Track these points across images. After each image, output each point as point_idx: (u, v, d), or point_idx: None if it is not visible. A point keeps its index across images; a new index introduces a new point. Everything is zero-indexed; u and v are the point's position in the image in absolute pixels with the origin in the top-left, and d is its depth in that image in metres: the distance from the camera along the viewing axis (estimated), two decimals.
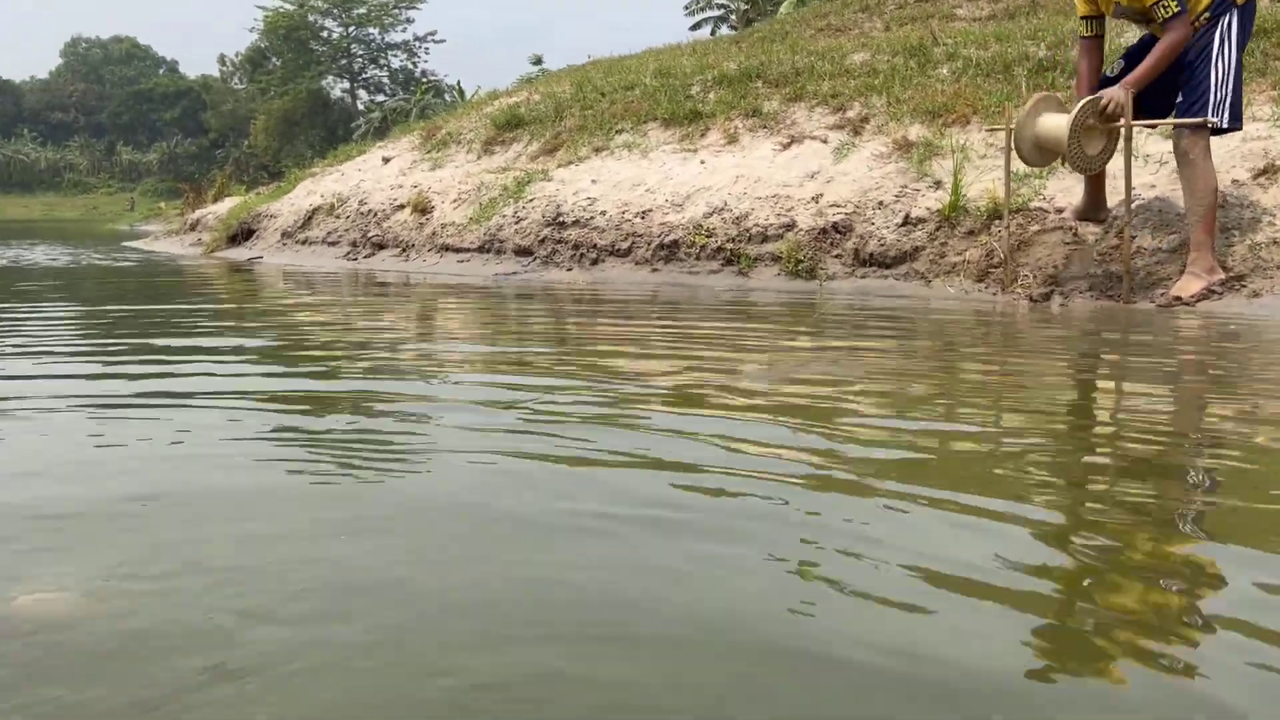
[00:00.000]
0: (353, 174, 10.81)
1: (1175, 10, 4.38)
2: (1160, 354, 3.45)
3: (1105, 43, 4.91)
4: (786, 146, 7.43)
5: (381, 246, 8.68)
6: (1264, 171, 5.19)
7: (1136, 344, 3.67)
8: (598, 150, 8.65)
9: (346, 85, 68.61)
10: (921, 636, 1.20)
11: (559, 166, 8.52)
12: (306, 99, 62.42)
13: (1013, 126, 4.83)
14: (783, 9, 22.01)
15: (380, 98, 66.22)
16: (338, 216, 9.64)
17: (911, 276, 5.53)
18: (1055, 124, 4.68)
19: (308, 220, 10.07)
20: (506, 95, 12.26)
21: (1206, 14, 4.43)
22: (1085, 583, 1.39)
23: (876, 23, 10.60)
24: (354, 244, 8.96)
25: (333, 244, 9.33)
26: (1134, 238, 4.91)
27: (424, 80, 64.02)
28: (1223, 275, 4.52)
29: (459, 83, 53.33)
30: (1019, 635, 1.21)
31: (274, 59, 68.03)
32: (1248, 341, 3.61)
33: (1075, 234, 5.14)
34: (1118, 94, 4.52)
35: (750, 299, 5.46)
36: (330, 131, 60.01)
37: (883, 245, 5.71)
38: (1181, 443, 2.17)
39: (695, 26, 35.86)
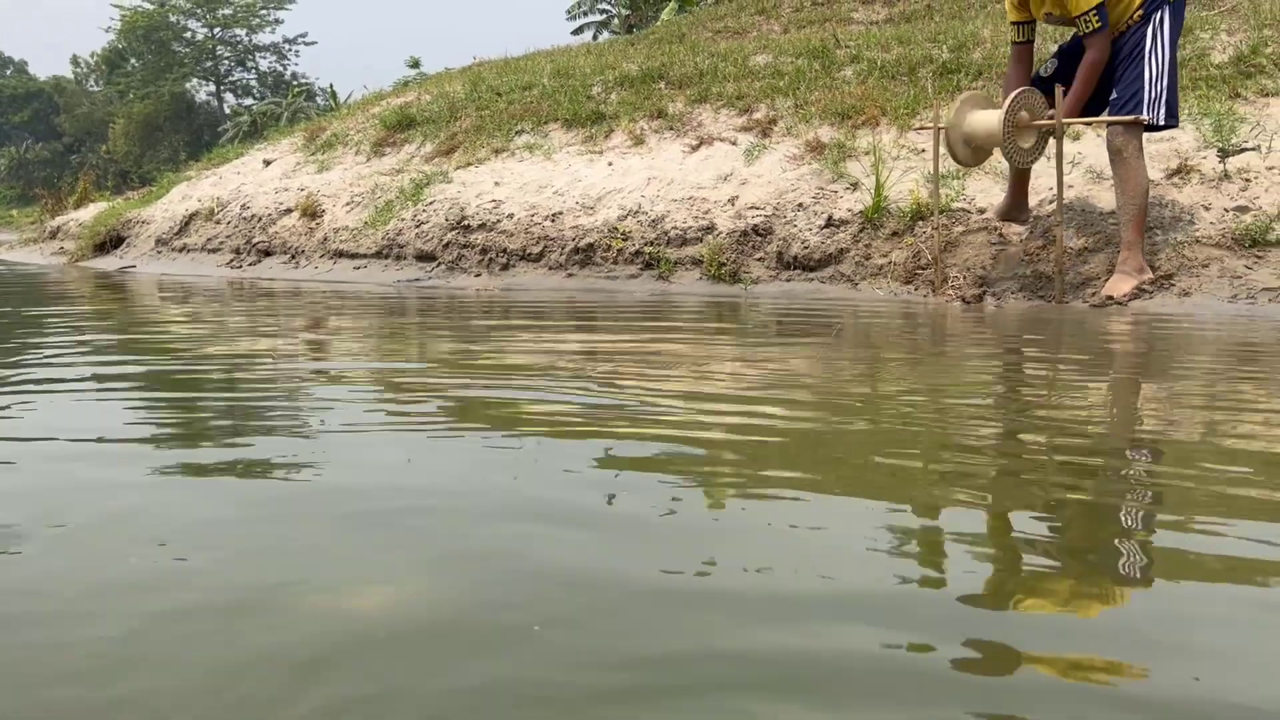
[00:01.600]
0: (231, 177, 10.19)
1: (1096, 26, 4.37)
2: (1104, 353, 3.37)
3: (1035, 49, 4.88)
4: (696, 148, 7.26)
5: (268, 253, 8.15)
6: (1177, 171, 5.25)
7: (1079, 343, 3.59)
8: (498, 152, 8.33)
9: (212, 88, 66.09)
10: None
11: (458, 168, 8.16)
12: (169, 102, 59.87)
13: (943, 126, 4.74)
14: (664, 15, 22.01)
15: (249, 101, 63.94)
16: (218, 222, 9.03)
17: (838, 279, 5.41)
18: (987, 119, 4.61)
19: (185, 226, 9.42)
20: (393, 95, 11.78)
21: (1139, 10, 4.43)
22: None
23: (774, 25, 10.56)
24: (237, 251, 8.40)
25: (214, 251, 8.74)
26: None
27: (295, 83, 62.13)
28: (1152, 275, 4.52)
29: (331, 86, 51.93)
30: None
31: (133, 60, 64.97)
32: (1183, 340, 3.56)
33: (1000, 235, 5.10)
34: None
35: (673, 303, 5.25)
36: (195, 136, 57.65)
37: (806, 248, 5.58)
38: (1117, 447, 2.04)
39: (577, 31, 35.69)
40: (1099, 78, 4.46)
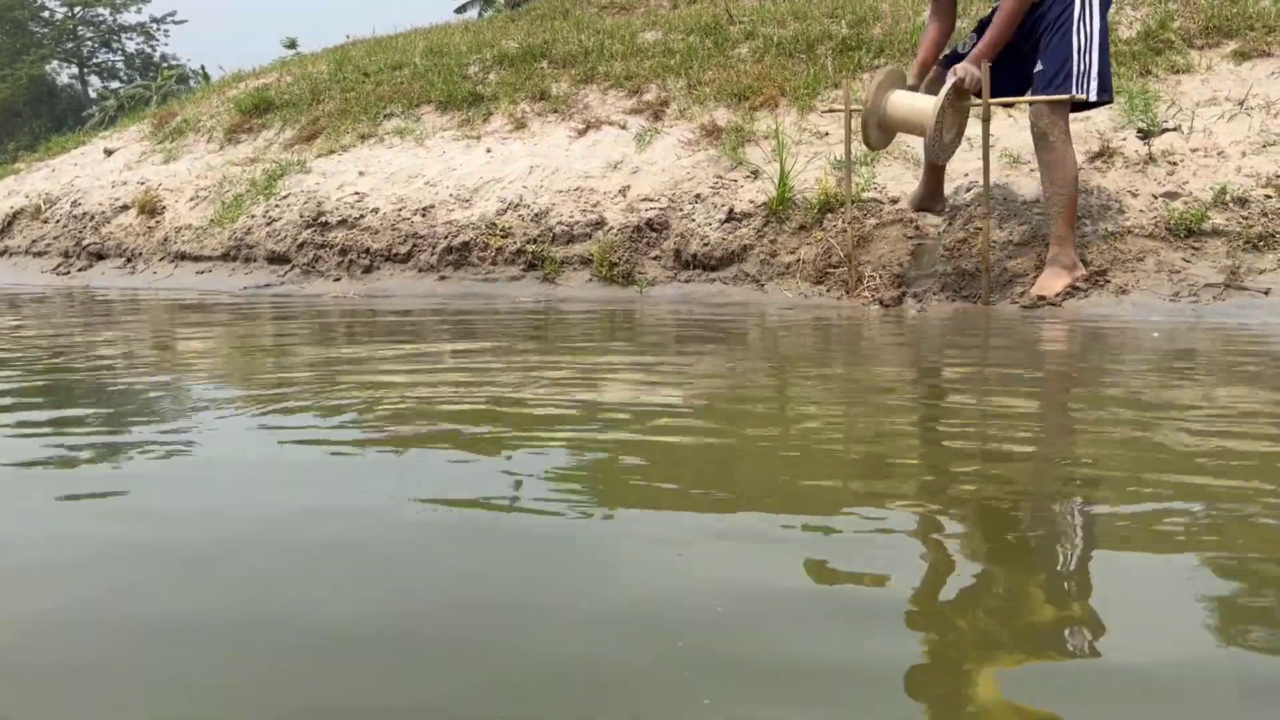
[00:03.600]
0: (67, 169, 9.12)
1: None
2: (1038, 371, 2.90)
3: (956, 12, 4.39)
4: (582, 133, 6.64)
5: (101, 256, 7.20)
6: (1100, 154, 4.87)
7: (1011, 356, 3.12)
8: (364, 137, 7.55)
9: (75, 71, 62.42)
10: None
11: (318, 156, 7.36)
12: (28, 85, 56.35)
13: (856, 109, 4.22)
14: None
15: (115, 84, 60.56)
16: (45, 221, 8.00)
17: (742, 279, 4.87)
18: (912, 106, 4.11)
19: (7, 226, 8.34)
20: (254, 77, 10.82)
21: None
22: None
23: (663, 1, 9.97)
24: (66, 254, 7.42)
25: (40, 255, 7.72)
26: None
27: (165, 65, 59.18)
28: (1085, 270, 4.10)
29: (203, 67, 49.48)
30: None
31: None
32: (1127, 349, 3.12)
33: (917, 227, 4.62)
34: (971, 68, 3.99)
35: (560, 310, 4.63)
36: (58, 121, 54.36)
37: (706, 245, 5.01)
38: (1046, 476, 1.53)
39: (460, 9, 34.45)
40: (1017, 23, 3.97)
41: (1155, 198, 4.50)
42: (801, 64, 6.78)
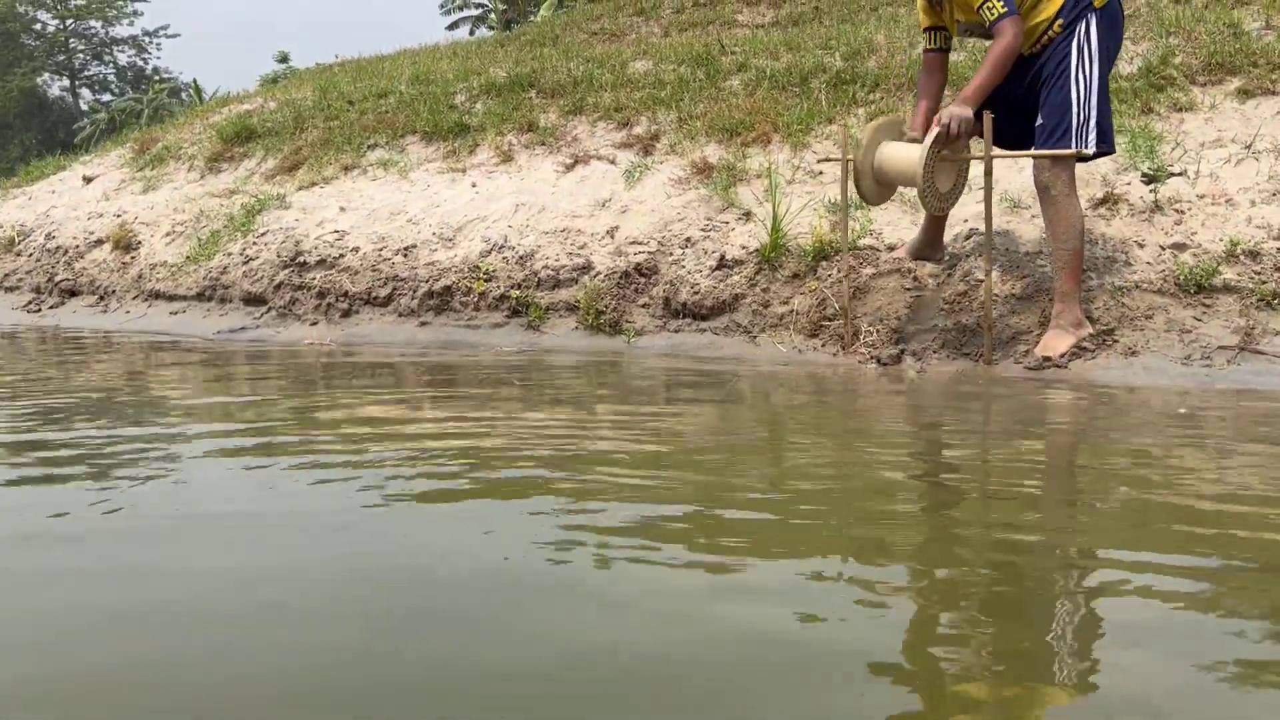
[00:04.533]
0: (44, 197, 8.91)
1: (1001, 11, 3.72)
2: (1041, 447, 2.72)
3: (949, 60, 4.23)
4: (570, 168, 6.46)
5: (73, 294, 6.98)
6: (1104, 201, 4.70)
7: (1013, 429, 2.93)
8: (347, 169, 7.37)
9: (66, 83, 62.16)
10: None
11: (300, 189, 7.16)
12: (19, 98, 56.11)
13: (851, 159, 4.04)
14: (542, 11, 21.15)
15: (107, 97, 60.35)
16: (19, 254, 7.78)
17: (733, 330, 4.68)
18: (902, 157, 3.93)
19: None
20: (238, 101, 10.63)
21: (1059, 20, 3.80)
22: None
23: (654, 28, 9.82)
24: (38, 290, 7.19)
25: (11, 290, 7.50)
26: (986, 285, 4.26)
27: (157, 78, 59.07)
28: (1091, 329, 3.92)
29: (195, 81, 49.50)
30: None
31: None
32: (1138, 425, 2.93)
33: (915, 278, 4.44)
34: (957, 111, 3.81)
35: (544, 363, 4.44)
36: (49, 135, 54.20)
37: (697, 293, 4.83)
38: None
39: (452, 26, 34.43)
40: (1008, 68, 3.80)
41: (1163, 249, 4.33)
42: (795, 97, 6.62)
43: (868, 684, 1.30)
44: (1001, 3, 3.68)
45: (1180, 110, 5.40)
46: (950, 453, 2.75)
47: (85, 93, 62.15)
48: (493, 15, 32.32)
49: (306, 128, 8.32)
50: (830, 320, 4.43)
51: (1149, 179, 4.68)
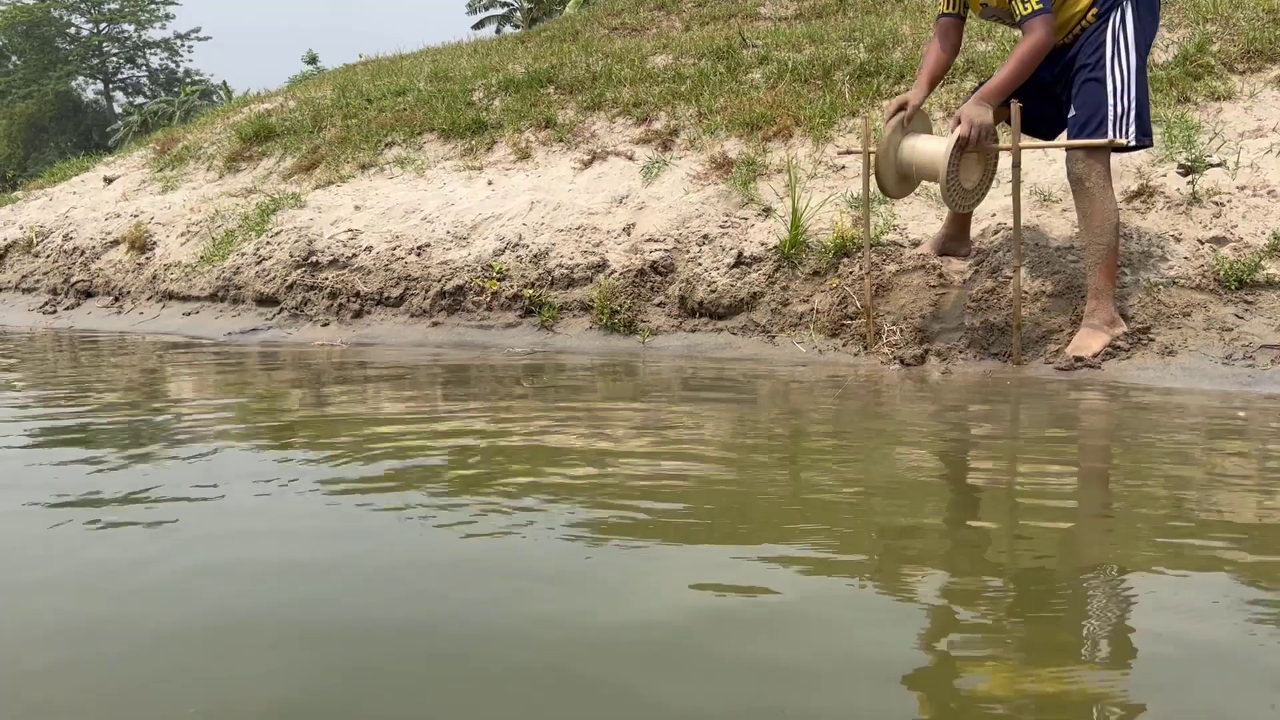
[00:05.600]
0: (65, 199, 8.90)
1: (1036, 8, 3.53)
2: (1072, 456, 2.55)
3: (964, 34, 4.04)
4: (588, 164, 6.33)
5: (89, 294, 6.94)
6: (1139, 194, 4.51)
7: (1043, 437, 2.77)
8: (364, 167, 7.28)
9: (101, 86, 62.86)
10: None
11: (316, 188, 7.08)
12: (54, 102, 56.81)
13: (873, 150, 3.87)
14: (568, 8, 21.03)
15: (140, 100, 60.98)
16: (37, 255, 7.76)
17: (751, 330, 4.53)
18: (925, 151, 3.77)
19: (0, 259, 8.12)
20: (259, 100, 10.60)
21: (1094, 9, 3.62)
22: None
23: (675, 22, 9.67)
24: (55, 291, 7.16)
25: (29, 291, 7.48)
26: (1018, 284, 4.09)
27: (188, 81, 59.68)
28: (1125, 328, 3.74)
29: (225, 83, 49.99)
30: None
31: (14, 58, 61.47)
32: (1177, 432, 2.76)
33: (940, 274, 4.27)
34: (975, 115, 3.61)
35: (558, 364, 4.32)
36: (84, 137, 54.82)
37: (714, 291, 4.68)
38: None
39: (478, 25, 34.42)
40: (1035, 67, 3.61)
41: (1201, 243, 4.14)
42: (817, 91, 6.45)
43: (892, 690, 1.28)
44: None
45: (1218, 99, 5.19)
46: (974, 466, 2.59)
47: (119, 96, 62.91)
48: (518, 14, 32.27)
49: (325, 126, 8.25)
50: (852, 319, 4.27)
51: (1186, 170, 4.48)
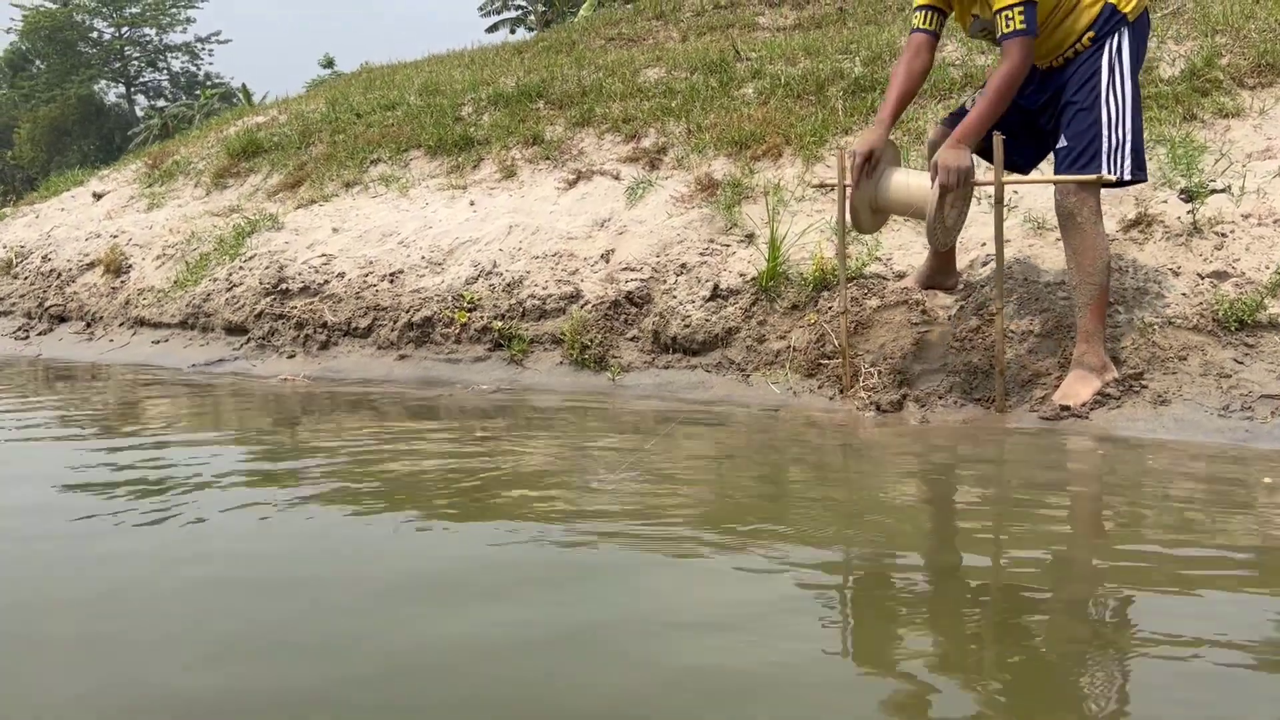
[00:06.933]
0: (52, 215, 8.77)
1: (1019, 26, 3.26)
2: (1050, 523, 2.31)
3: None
4: (573, 184, 6.13)
5: (62, 319, 6.79)
6: (1136, 223, 4.26)
7: (1018, 506, 2.53)
8: (348, 185, 7.10)
9: (122, 90, 63.28)
10: None
11: (298, 207, 6.91)
12: (77, 105, 57.21)
13: (848, 184, 3.64)
14: (582, 10, 20.84)
15: (161, 103, 61.36)
16: (15, 276, 7.63)
17: (726, 367, 4.31)
18: (908, 188, 3.53)
19: None
20: (253, 113, 10.46)
21: (1090, 32, 3.37)
22: None
23: (673, 32, 9.44)
24: (29, 316, 7.02)
25: (5, 315, 7.34)
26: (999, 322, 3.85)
27: (208, 84, 60.06)
28: (1116, 373, 3.49)
29: (244, 86, 50.24)
30: None
31: (38, 62, 62.01)
32: (1164, 500, 2.52)
33: (924, 310, 4.04)
34: (953, 162, 3.35)
35: (521, 403, 4.11)
36: (106, 140, 55.18)
37: (688, 326, 4.46)
38: None
39: (492, 29, 34.30)
40: (1012, 97, 3.35)
41: (1201, 278, 3.88)
42: (810, 107, 6.22)
43: None
44: (1021, 16, 3.22)
45: (1226, 116, 4.93)
46: (935, 547, 2.37)
47: (140, 99, 63.29)
48: (531, 16, 32.14)
49: (313, 142, 8.09)
50: (829, 358, 4.04)
51: (1188, 196, 4.24)
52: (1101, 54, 3.33)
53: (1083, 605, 1.87)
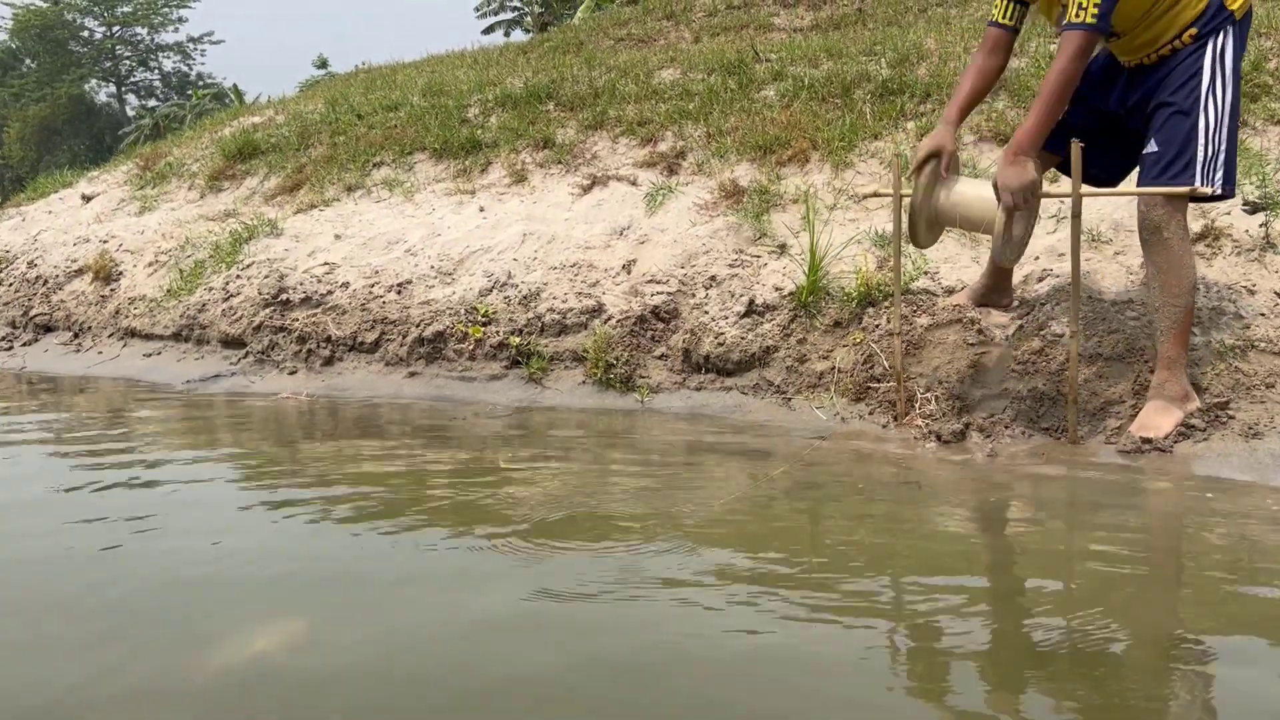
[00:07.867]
0: (39, 218, 8.42)
1: (1089, 19, 2.89)
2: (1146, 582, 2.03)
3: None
4: (587, 189, 5.83)
5: (48, 329, 6.44)
6: (1203, 236, 3.97)
7: (1102, 562, 2.24)
8: (350, 189, 6.79)
9: (113, 89, 62.79)
10: None
11: (298, 211, 6.59)
12: (67, 105, 56.72)
13: (906, 193, 3.35)
14: (579, 12, 20.53)
15: (152, 103, 60.91)
16: (0, 283, 7.28)
17: (764, 389, 4.01)
18: (973, 203, 3.24)
19: None
20: (248, 113, 10.13)
21: (1193, 29, 3.07)
22: None
23: (685, 33, 9.15)
24: (14, 325, 6.68)
25: None
26: (1050, 342, 3.56)
27: (200, 84, 59.65)
28: (1199, 402, 3.20)
29: (235, 85, 49.78)
30: None
31: (28, 61, 61.50)
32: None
33: (980, 330, 3.74)
34: (1015, 180, 3.04)
35: (541, 426, 3.81)
36: (97, 140, 54.74)
37: (722, 344, 4.16)
38: None
39: (488, 30, 33.97)
40: (1069, 96, 3.05)
41: (1279, 296, 3.60)
42: (836, 110, 5.92)
43: None
44: (1097, 8, 2.91)
45: (1278, 123, 4.66)
46: (1038, 606, 2.07)
47: (131, 98, 62.79)
48: (528, 18, 31.83)
49: (312, 144, 7.77)
50: (879, 381, 3.74)
51: (1254, 208, 3.95)
52: (1204, 53, 3.04)
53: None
